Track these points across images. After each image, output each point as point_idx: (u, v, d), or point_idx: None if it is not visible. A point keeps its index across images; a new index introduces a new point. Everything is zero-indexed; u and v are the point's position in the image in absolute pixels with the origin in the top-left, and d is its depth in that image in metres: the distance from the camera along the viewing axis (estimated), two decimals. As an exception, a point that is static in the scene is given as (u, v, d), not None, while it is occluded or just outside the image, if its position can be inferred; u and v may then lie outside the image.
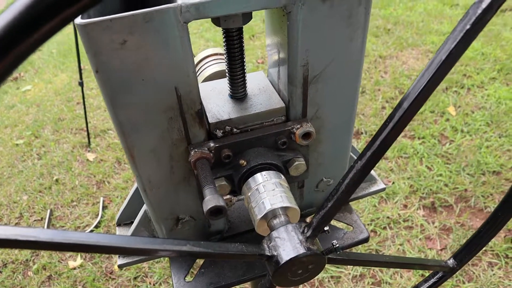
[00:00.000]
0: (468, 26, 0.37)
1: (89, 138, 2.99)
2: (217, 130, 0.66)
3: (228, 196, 0.63)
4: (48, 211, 2.51)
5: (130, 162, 0.65)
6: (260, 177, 0.63)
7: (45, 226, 2.40)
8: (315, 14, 0.57)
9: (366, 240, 0.87)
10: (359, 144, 2.72)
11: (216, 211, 0.54)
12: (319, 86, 0.66)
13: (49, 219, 2.48)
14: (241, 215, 0.89)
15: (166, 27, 0.53)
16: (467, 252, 0.78)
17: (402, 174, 2.46)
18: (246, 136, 0.66)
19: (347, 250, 0.86)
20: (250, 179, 0.64)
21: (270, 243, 0.55)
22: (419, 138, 2.69)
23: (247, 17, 0.61)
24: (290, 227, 0.55)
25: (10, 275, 2.19)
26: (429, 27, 4.00)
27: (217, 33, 4.44)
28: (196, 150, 0.63)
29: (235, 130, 0.67)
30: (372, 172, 0.92)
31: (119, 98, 0.57)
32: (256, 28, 4.44)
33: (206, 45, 4.27)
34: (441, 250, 2.08)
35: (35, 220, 2.52)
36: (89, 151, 2.98)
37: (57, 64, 4.44)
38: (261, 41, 4.18)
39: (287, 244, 0.53)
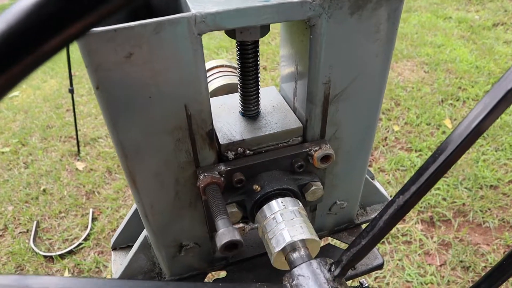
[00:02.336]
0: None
1: (78, 147, 2.90)
2: (229, 152, 0.60)
3: (241, 225, 0.57)
4: (35, 222, 2.41)
5: (131, 187, 0.58)
6: (276, 204, 0.58)
7: (31, 239, 2.30)
8: (341, 28, 0.52)
9: (380, 266, 0.81)
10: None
11: (232, 246, 0.48)
12: (340, 105, 0.60)
13: (35, 231, 2.37)
14: (247, 238, 0.83)
15: (178, 39, 0.47)
16: (486, 287, 0.72)
17: (400, 187, 2.42)
18: (260, 159, 0.60)
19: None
20: (265, 207, 0.58)
21: (292, 282, 0.49)
22: (416, 151, 2.66)
23: (265, 29, 0.55)
24: (315, 264, 0.49)
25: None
26: (424, 39, 4.01)
27: (211, 40, 4.39)
28: (205, 174, 0.57)
29: (248, 152, 0.61)
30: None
31: (122, 118, 0.51)
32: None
33: (200, 53, 4.20)
34: (440, 266, 2.03)
35: (20, 232, 2.41)
36: (78, 160, 2.88)
37: (46, 69, 4.32)
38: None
39: (312, 284, 0.47)
